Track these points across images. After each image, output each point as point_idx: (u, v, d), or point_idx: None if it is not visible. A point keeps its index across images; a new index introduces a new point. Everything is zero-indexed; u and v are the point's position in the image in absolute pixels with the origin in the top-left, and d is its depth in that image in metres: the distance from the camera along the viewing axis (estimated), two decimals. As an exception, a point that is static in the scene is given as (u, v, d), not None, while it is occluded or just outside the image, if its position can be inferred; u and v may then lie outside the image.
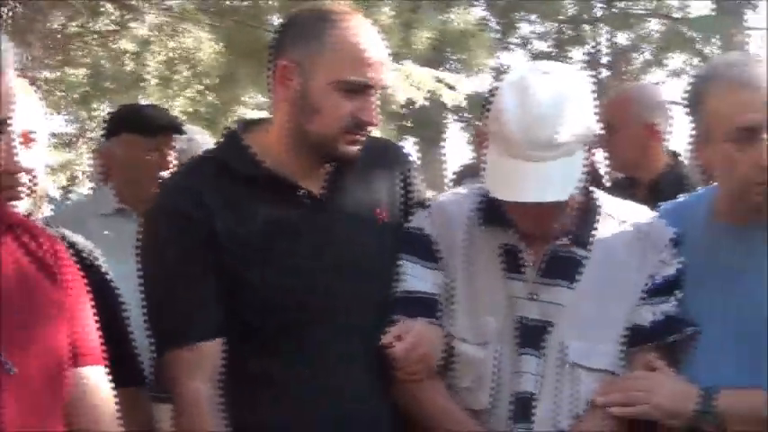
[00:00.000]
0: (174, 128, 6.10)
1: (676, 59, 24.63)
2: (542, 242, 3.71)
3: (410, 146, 22.26)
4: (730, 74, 3.65)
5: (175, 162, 5.89)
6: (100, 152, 7.49)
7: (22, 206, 3.43)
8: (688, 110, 3.78)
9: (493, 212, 3.73)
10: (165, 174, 5.69)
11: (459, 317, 3.74)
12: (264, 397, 3.65)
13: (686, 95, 3.79)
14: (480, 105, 3.91)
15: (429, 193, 4.17)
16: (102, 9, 13.13)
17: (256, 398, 3.64)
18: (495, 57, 24.65)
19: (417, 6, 13.78)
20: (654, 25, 25.17)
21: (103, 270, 3.70)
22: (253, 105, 16.99)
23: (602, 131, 5.33)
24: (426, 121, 13.99)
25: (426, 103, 13.02)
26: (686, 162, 5.82)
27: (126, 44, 14.36)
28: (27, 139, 3.48)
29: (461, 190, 4.08)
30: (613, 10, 24.58)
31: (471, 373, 3.70)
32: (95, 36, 14.06)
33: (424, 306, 3.74)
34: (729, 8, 23.18)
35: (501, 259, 3.74)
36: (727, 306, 3.68)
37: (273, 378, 3.66)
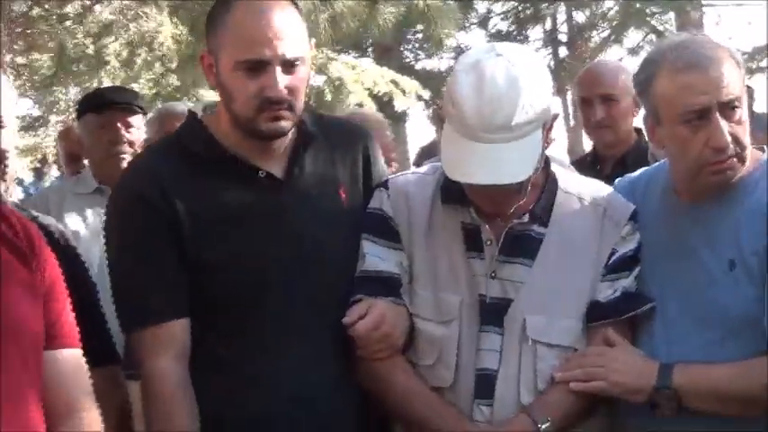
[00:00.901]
0: (126, 104, 6.14)
1: (633, 37, 24.70)
2: (502, 221, 3.70)
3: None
4: (677, 55, 3.64)
5: (138, 139, 6.01)
6: (67, 135, 7.52)
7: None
8: (639, 92, 3.79)
9: (453, 191, 3.72)
10: (127, 151, 5.82)
11: (421, 295, 3.74)
12: (228, 379, 3.65)
13: (636, 79, 3.80)
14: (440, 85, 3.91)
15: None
16: None
17: (221, 381, 3.64)
18: (453, 37, 24.70)
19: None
20: (610, 3, 25.24)
21: (76, 252, 3.73)
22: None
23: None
24: (388, 102, 14.03)
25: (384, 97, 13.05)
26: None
27: (88, 28, 14.38)
28: None
29: (422, 169, 4.07)
30: (570, -12, 24.67)
31: (434, 351, 3.70)
32: (59, 20, 14.10)
33: (386, 285, 3.74)
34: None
35: (461, 238, 3.73)
36: (683, 282, 3.69)
37: (235, 359, 3.66)
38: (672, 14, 22.55)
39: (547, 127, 3.62)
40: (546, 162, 3.75)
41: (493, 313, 3.68)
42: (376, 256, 3.76)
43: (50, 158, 18.87)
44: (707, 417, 3.57)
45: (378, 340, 3.67)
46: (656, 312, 3.75)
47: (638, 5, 23.88)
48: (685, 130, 3.60)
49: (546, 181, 3.77)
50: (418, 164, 6.80)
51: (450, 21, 15.41)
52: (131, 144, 5.97)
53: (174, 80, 15.17)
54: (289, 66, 3.61)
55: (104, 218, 3.92)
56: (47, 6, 13.75)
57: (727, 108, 3.57)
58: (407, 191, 3.84)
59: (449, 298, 3.71)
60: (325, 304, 3.71)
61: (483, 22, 26.34)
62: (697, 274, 3.66)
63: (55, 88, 18.86)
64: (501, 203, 3.65)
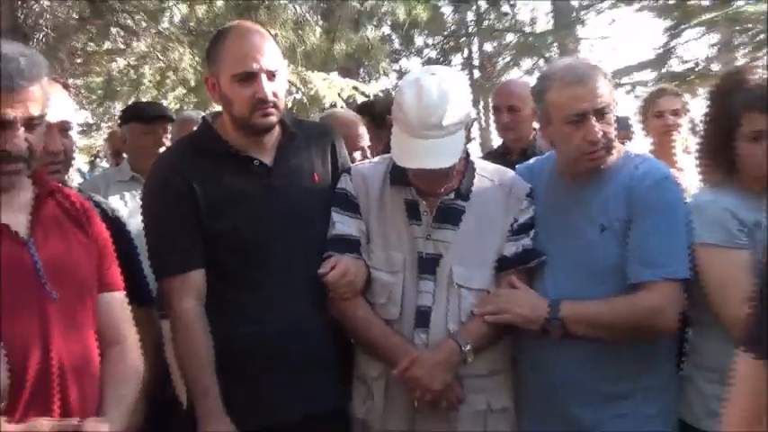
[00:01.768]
0: (165, 117, 6.22)
1: (527, 62, 24.74)
2: (434, 197, 3.71)
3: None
4: (564, 73, 3.66)
5: (169, 141, 6.00)
6: (113, 137, 7.51)
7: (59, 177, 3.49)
8: (536, 100, 3.78)
9: (398, 176, 3.74)
10: (161, 150, 5.78)
11: (375, 253, 3.74)
12: (234, 315, 3.63)
13: (534, 90, 3.80)
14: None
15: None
16: (111, 33, 13.22)
17: (229, 316, 3.62)
18: (398, 63, 24.77)
19: (338, 28, 13.89)
20: (511, 37, 25.26)
21: (122, 221, 3.74)
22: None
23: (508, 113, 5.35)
24: (351, 104, 14.17)
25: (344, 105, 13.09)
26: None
27: (129, 59, 14.41)
28: (63, 126, 3.55)
29: (375, 159, 4.07)
30: (482, 26, 24.67)
31: (385, 293, 3.70)
32: (107, 53, 14.13)
33: (350, 245, 3.73)
34: (564, 24, 23.28)
35: (404, 210, 3.73)
36: (566, 240, 3.70)
37: (239, 300, 3.64)
38: (555, 45, 22.54)
39: (468, 127, 3.62)
40: (466, 153, 3.73)
41: (428, 265, 3.68)
42: (342, 224, 3.74)
43: (101, 155, 18.82)
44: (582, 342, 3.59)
45: (344, 286, 3.67)
46: (546, 263, 3.74)
47: (530, 39, 23.97)
48: (569, 129, 3.61)
49: (466, 167, 3.77)
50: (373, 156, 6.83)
51: (384, 54, 15.63)
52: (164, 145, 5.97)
53: (192, 97, 15.17)
54: (271, 75, 3.63)
55: (140, 197, 3.92)
56: (99, 43, 13.74)
57: (600, 113, 3.59)
58: (365, 175, 3.83)
59: (396, 254, 3.70)
60: (305, 260, 3.69)
61: (419, 52, 26.38)
62: (577, 236, 3.67)
63: (105, 103, 18.93)
64: (434, 184, 3.66)
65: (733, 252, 3.46)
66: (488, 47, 25.79)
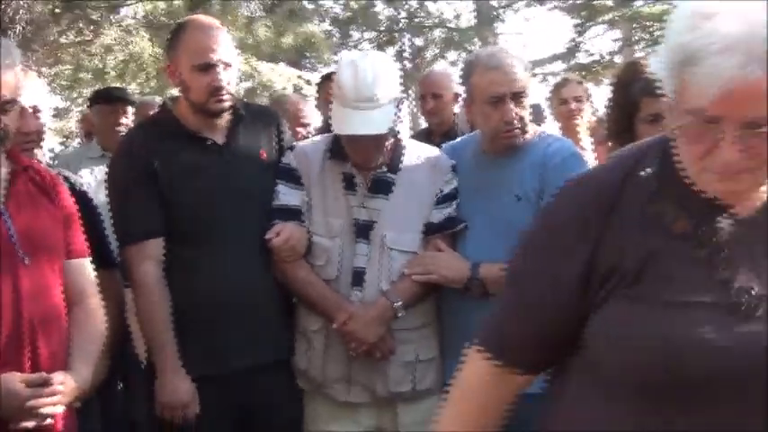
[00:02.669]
0: (126, 100, 6.30)
1: (452, 55, 24.75)
2: (368, 170, 3.70)
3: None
4: (487, 60, 3.66)
5: (129, 122, 6.08)
6: (85, 120, 7.56)
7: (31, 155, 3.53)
8: (462, 83, 3.79)
9: (337, 151, 3.72)
10: (122, 129, 5.88)
11: (316, 220, 3.72)
12: (191, 274, 3.62)
13: (460, 74, 3.81)
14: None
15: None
16: (80, 26, 13.12)
17: (186, 276, 3.61)
18: (338, 55, 24.65)
19: (286, 23, 13.91)
20: (438, 32, 25.29)
21: (88, 195, 3.67)
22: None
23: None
24: (297, 90, 14.27)
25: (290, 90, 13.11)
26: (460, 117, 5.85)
27: (96, 50, 14.33)
28: (35, 110, 3.62)
29: (316, 138, 4.07)
30: (413, 22, 24.68)
31: (324, 256, 3.68)
32: (76, 44, 14.02)
33: (293, 214, 3.71)
34: (485, 20, 23.34)
35: (342, 182, 3.72)
36: (486, 209, 3.68)
37: (196, 262, 3.63)
38: (477, 40, 22.56)
39: (398, 104, 3.62)
40: (396, 133, 3.73)
41: (363, 231, 3.67)
42: (286, 195, 3.73)
43: (73, 136, 18.68)
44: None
45: (287, 250, 3.66)
46: (468, 229, 3.74)
47: (455, 35, 24.02)
48: (488, 109, 3.61)
49: (396, 145, 3.76)
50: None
51: (328, 47, 15.69)
52: (126, 125, 5.98)
53: (153, 84, 15.12)
54: (226, 65, 3.63)
55: (107, 172, 3.88)
56: (69, 35, 13.62)
57: (516, 96, 3.60)
58: (306, 151, 3.81)
59: (334, 221, 3.69)
60: (253, 227, 3.68)
61: (356, 45, 26.32)
62: (495, 204, 3.66)
63: (75, 90, 18.85)
64: (368, 155, 3.65)
65: None
66: (418, 41, 25.76)
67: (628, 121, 3.55)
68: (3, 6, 10.30)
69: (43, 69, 13.30)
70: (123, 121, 6.03)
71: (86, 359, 3.02)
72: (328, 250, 3.68)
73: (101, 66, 15.26)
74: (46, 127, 3.81)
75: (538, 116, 6.59)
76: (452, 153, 3.92)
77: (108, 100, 6.20)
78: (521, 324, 2.00)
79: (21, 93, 2.93)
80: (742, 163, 1.68)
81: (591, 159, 5.31)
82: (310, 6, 14.96)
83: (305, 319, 3.78)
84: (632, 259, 1.80)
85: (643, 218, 1.82)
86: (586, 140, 6.26)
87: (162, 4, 12.63)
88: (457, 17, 25.47)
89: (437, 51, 25.51)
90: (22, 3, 10.48)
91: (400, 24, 25.44)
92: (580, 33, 22.27)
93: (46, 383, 2.80)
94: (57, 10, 11.41)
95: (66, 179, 3.49)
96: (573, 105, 6.44)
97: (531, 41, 41.93)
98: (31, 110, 3.55)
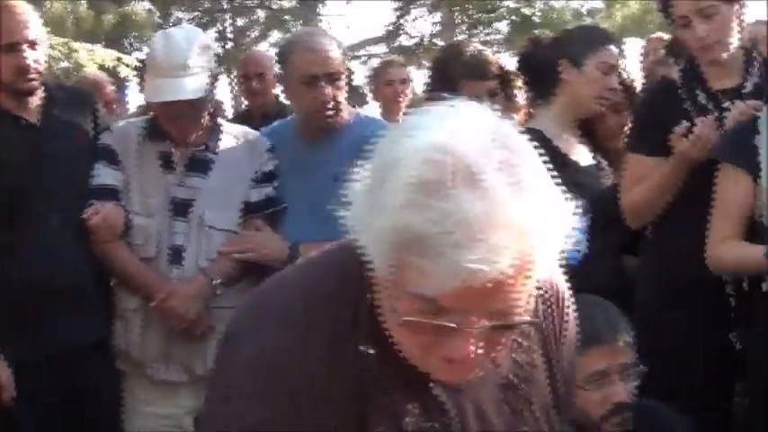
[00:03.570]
0: None
1: (275, 36, 24.67)
2: (186, 149, 3.74)
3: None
4: (303, 40, 3.76)
5: None
6: None
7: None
8: (280, 63, 3.86)
9: (154, 132, 3.76)
10: None
11: (133, 199, 3.73)
12: (5, 258, 3.58)
13: (278, 54, 3.88)
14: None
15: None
16: None
17: (1, 259, 3.58)
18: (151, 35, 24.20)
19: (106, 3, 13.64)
20: (261, 13, 25.14)
21: None
22: None
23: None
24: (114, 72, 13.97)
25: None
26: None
27: None
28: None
29: (133, 120, 4.13)
30: (235, 2, 24.47)
31: (142, 235, 3.70)
32: None
33: (111, 194, 3.71)
34: (308, 2, 23.35)
35: (159, 160, 3.75)
36: (305, 189, 3.75)
37: (10, 245, 3.59)
38: (299, 21, 22.59)
39: (211, 75, 3.71)
40: (214, 116, 3.79)
41: (181, 209, 3.70)
42: (103, 175, 3.72)
43: None
44: None
45: (105, 230, 3.65)
46: (288, 210, 3.82)
47: (277, 15, 23.96)
48: (303, 89, 3.69)
49: (214, 125, 3.83)
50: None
51: (150, 26, 15.46)
52: None
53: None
54: (33, 45, 3.63)
55: None
56: None
57: (331, 77, 3.68)
58: (124, 132, 3.83)
59: (152, 200, 3.71)
60: (70, 207, 3.66)
61: (176, 24, 25.94)
62: (315, 184, 3.69)
63: None
64: (185, 126, 3.71)
65: None
66: (240, 22, 25.55)
67: None
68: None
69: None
70: None
71: None
72: (146, 229, 3.69)
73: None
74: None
75: (359, 98, 6.72)
76: (271, 135, 3.99)
77: None
78: None
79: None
80: (479, 356, 1.37)
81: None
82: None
83: (123, 300, 3.78)
84: None
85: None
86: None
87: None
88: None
89: (259, 32, 25.36)
90: None
91: (223, 4, 25.20)
92: (401, 16, 22.56)
93: None
94: None
95: None
96: (399, 88, 6.55)
97: (354, 23, 42.07)
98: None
